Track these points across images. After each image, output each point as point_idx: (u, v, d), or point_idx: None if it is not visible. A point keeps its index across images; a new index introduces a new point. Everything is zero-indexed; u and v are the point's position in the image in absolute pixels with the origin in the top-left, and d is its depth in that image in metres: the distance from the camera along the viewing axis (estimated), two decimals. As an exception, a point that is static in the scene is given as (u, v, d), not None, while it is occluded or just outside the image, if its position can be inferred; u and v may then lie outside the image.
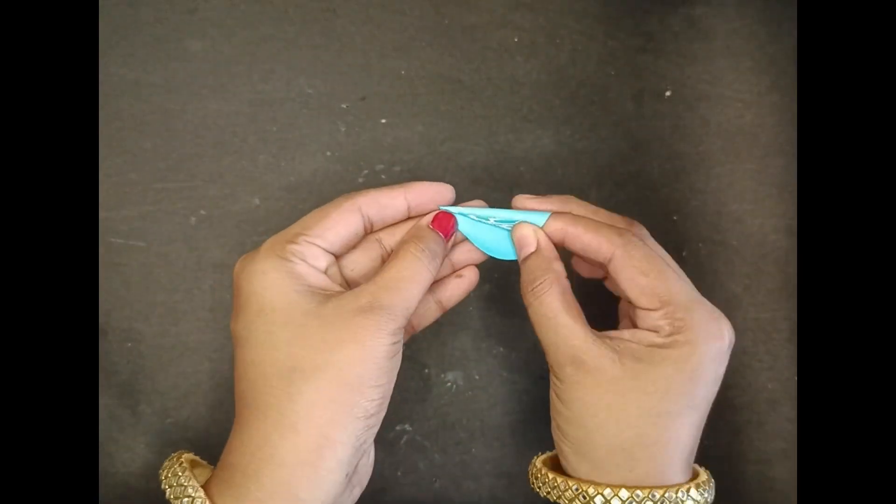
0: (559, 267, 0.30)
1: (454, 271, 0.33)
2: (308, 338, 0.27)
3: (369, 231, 0.32)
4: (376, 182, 0.40)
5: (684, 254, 0.41)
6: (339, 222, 0.30)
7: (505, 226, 0.32)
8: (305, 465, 0.26)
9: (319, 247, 0.29)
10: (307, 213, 0.39)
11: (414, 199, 0.31)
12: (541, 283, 0.29)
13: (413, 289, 0.28)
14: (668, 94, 0.42)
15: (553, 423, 0.30)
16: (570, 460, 0.29)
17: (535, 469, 0.30)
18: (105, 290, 0.38)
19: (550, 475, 0.29)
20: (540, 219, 0.31)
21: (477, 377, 0.39)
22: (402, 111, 0.40)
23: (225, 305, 0.38)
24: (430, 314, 0.34)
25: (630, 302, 0.29)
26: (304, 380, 0.26)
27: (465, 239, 0.33)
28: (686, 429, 0.28)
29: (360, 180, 0.40)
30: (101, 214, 0.38)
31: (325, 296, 0.28)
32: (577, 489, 0.28)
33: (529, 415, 0.39)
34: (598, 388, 0.27)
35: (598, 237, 0.30)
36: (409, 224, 0.32)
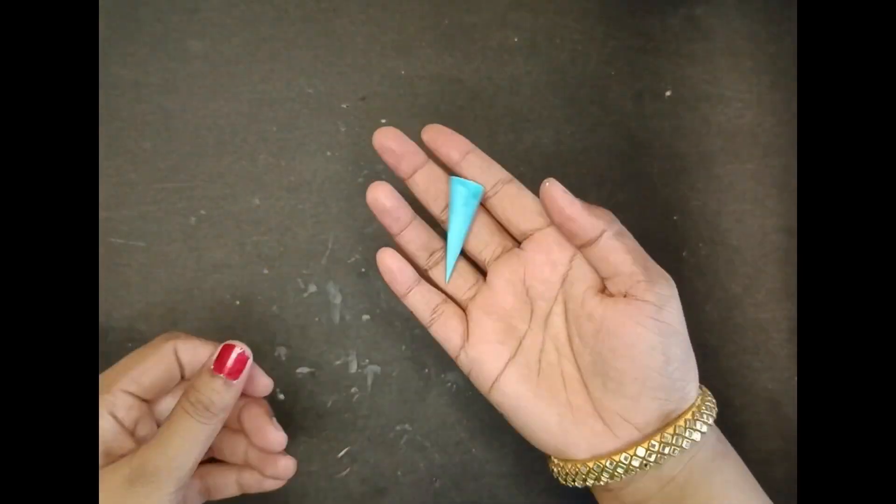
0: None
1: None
2: None
3: (183, 377, 0.32)
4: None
5: (684, 254, 0.41)
6: (155, 366, 0.30)
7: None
8: None
9: (133, 394, 0.30)
10: (308, 213, 0.39)
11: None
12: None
13: (184, 446, 0.28)
14: (668, 94, 0.42)
15: (646, 372, 0.29)
16: (683, 387, 0.30)
17: (561, 467, 0.32)
18: (105, 290, 0.38)
19: (590, 463, 0.30)
20: None
21: (477, 377, 0.39)
22: (402, 111, 0.40)
23: (225, 305, 0.38)
24: (230, 489, 0.33)
25: (614, 271, 0.31)
26: None
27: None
28: (687, 343, 0.31)
29: (360, 180, 0.40)
30: (102, 214, 0.38)
31: (111, 459, 0.28)
32: (690, 418, 0.30)
33: (529, 415, 0.39)
34: (640, 313, 0.29)
35: (591, 214, 0.32)
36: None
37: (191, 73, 0.39)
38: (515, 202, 0.32)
